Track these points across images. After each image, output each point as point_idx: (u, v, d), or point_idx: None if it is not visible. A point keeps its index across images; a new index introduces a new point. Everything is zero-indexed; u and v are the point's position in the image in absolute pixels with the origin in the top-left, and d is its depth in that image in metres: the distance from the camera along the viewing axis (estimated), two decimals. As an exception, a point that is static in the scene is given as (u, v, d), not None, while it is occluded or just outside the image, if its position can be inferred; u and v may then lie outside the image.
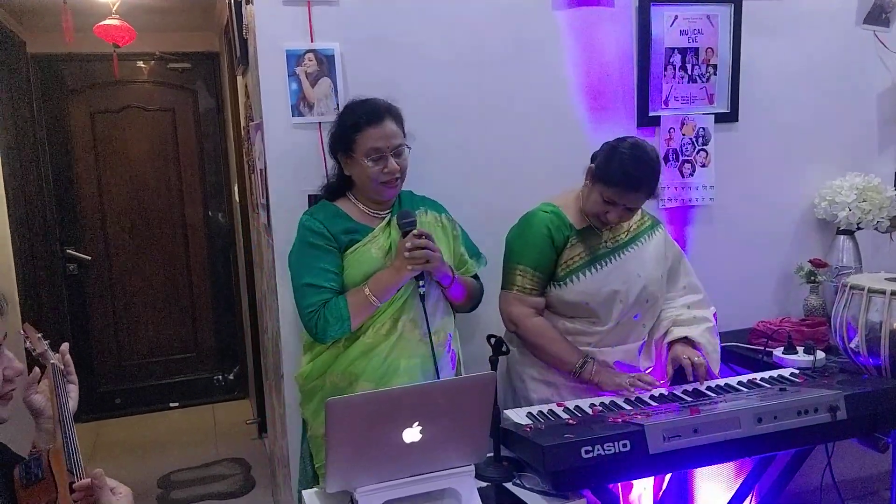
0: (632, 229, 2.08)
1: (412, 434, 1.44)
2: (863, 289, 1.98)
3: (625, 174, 1.89)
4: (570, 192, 2.08)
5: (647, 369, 2.09)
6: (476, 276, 2.09)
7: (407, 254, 1.81)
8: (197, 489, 3.48)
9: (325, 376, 1.91)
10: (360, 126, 1.86)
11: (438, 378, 1.87)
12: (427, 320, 1.88)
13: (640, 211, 2.09)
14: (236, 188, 3.82)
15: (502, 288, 2.07)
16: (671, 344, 2.05)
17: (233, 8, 2.46)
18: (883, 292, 1.95)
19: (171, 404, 4.53)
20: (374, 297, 1.84)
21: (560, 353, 1.97)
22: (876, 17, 2.77)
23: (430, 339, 1.87)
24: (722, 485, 2.40)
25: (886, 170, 2.87)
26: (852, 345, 2.01)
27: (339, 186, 1.99)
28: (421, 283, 1.86)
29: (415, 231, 1.85)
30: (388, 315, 1.89)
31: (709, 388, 1.95)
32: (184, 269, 4.52)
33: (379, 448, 1.43)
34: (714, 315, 2.13)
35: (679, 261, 2.16)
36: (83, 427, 4.11)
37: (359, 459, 1.43)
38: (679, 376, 2.01)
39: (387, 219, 1.95)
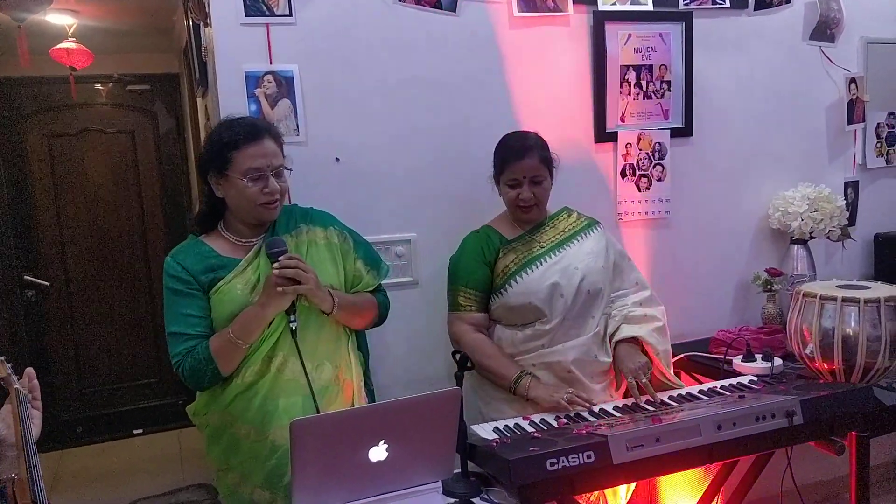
0: (566, 230, 2.14)
1: (378, 453, 1.44)
2: (815, 296, 2.04)
3: (507, 148, 2.09)
4: (504, 211, 2.16)
5: (605, 363, 2.09)
6: (380, 288, 1.98)
7: (276, 271, 1.68)
8: (163, 517, 3.41)
9: (209, 414, 1.82)
10: (237, 144, 1.73)
11: None
12: (301, 356, 1.74)
13: (575, 213, 2.19)
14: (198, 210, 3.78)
15: (448, 310, 2.12)
16: (619, 343, 2.08)
17: (191, 30, 2.46)
18: (834, 299, 2.00)
19: (135, 431, 4.44)
20: (238, 339, 1.70)
21: (497, 368, 1.99)
22: (821, 32, 2.88)
23: (307, 376, 1.74)
24: (687, 490, 2.43)
25: (836, 180, 2.97)
26: (807, 351, 2.06)
27: (210, 216, 1.85)
28: (292, 317, 1.73)
29: (285, 255, 1.73)
30: (263, 353, 1.75)
31: (671, 397, 1.98)
32: (146, 292, 4.46)
33: (345, 468, 1.43)
34: (664, 312, 2.16)
35: (624, 258, 2.22)
36: (44, 457, 3.97)
37: (325, 480, 1.43)
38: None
39: (255, 248, 1.81)
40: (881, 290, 2.04)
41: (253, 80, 2.15)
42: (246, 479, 1.80)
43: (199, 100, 2.94)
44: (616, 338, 2.09)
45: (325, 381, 1.83)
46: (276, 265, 1.70)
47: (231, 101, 2.14)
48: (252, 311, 1.72)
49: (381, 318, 1.99)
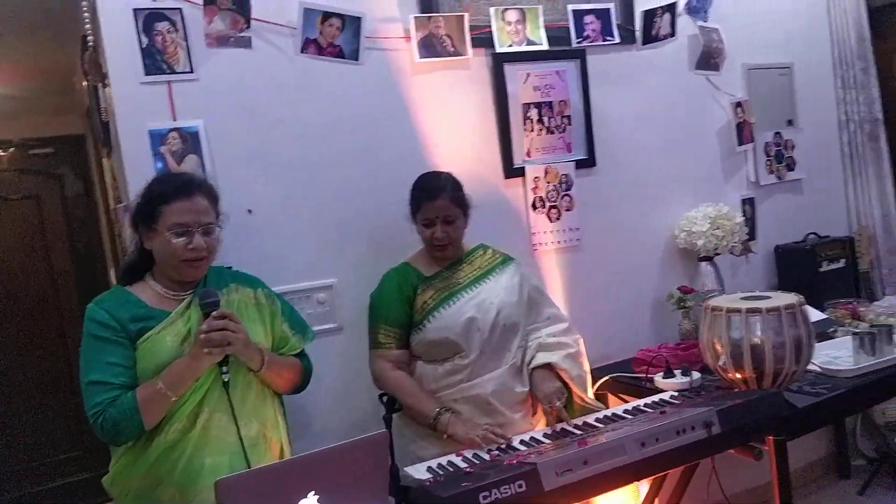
0: (482, 266, 2.21)
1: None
2: (722, 309, 2.14)
3: (420, 190, 2.15)
4: (422, 247, 2.20)
5: (522, 393, 2.13)
6: (303, 354, 1.98)
7: (203, 336, 1.66)
8: None
9: (128, 481, 1.74)
10: (167, 198, 1.74)
11: None
12: (234, 411, 1.72)
13: (490, 250, 2.25)
14: (112, 272, 3.66)
15: (369, 349, 2.15)
16: (534, 370, 2.14)
17: (90, 91, 2.42)
18: (739, 311, 2.11)
19: (57, 511, 4.18)
20: (167, 391, 1.65)
21: (417, 406, 2.03)
22: (706, 62, 3.08)
23: (239, 432, 1.73)
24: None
25: (734, 198, 3.15)
26: (720, 362, 2.16)
27: (138, 266, 1.84)
28: (224, 369, 1.71)
29: (215, 312, 1.71)
30: (187, 410, 1.71)
31: (597, 419, 2.03)
32: (62, 361, 4.24)
33: (274, 524, 1.39)
34: (579, 341, 2.23)
35: (540, 293, 2.29)
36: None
37: (254, 540, 1.39)
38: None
39: (186, 300, 1.79)
40: (781, 298, 2.16)
41: (157, 138, 2.12)
42: None
43: (104, 161, 2.87)
44: (531, 365, 2.14)
45: (252, 437, 1.78)
46: (203, 326, 1.68)
47: (136, 160, 2.11)
48: (183, 363, 1.69)
49: (303, 384, 1.98)
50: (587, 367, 2.21)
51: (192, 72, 2.17)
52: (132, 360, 1.72)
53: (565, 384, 2.13)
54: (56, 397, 4.23)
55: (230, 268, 2.03)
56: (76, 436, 4.26)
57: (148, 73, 2.12)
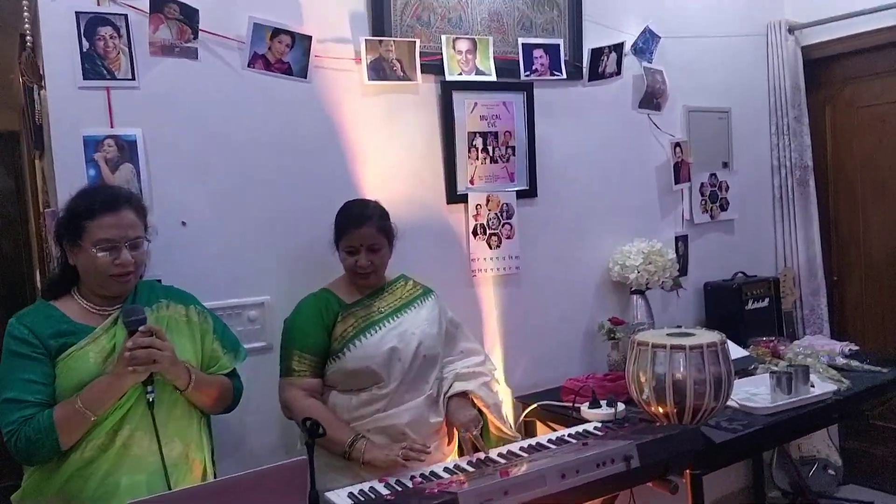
0: (403, 297, 2.21)
1: (222, 531, 1.39)
2: (647, 344, 2.20)
3: (347, 217, 2.14)
4: (343, 274, 2.19)
5: (437, 423, 2.15)
6: (234, 374, 1.95)
7: (128, 354, 1.62)
8: None
9: (39, 499, 1.68)
10: (92, 213, 1.69)
11: None
12: (157, 430, 1.68)
13: (411, 281, 2.26)
14: (38, 274, 3.54)
15: (280, 376, 2.09)
16: (451, 398, 2.17)
17: (25, 91, 2.35)
18: (664, 346, 2.17)
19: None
20: (86, 410, 1.61)
21: (331, 434, 1.87)
22: (649, 101, 3.18)
23: (161, 452, 1.69)
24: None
25: (668, 234, 3.25)
26: (644, 396, 2.22)
27: (62, 281, 1.79)
28: (150, 388, 1.67)
29: (142, 328, 1.67)
30: (107, 427, 1.67)
31: (521, 448, 2.05)
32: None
33: (185, 550, 1.37)
34: (494, 372, 2.30)
35: (456, 327, 2.31)
36: None
37: (163, 565, 1.36)
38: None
39: (112, 316, 1.75)
40: (704, 336, 2.23)
41: (92, 145, 2.07)
42: None
43: (36, 162, 2.79)
44: (448, 393, 2.17)
45: (174, 458, 1.75)
46: (128, 343, 1.64)
47: (68, 165, 2.05)
48: (105, 382, 1.64)
49: (234, 403, 1.96)
50: (501, 396, 2.26)
51: (133, 79, 2.13)
52: (51, 377, 1.68)
53: (481, 412, 2.16)
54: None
55: (159, 281, 1.99)
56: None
57: (86, 78, 2.07)
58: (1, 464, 4.01)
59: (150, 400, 1.68)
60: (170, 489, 1.68)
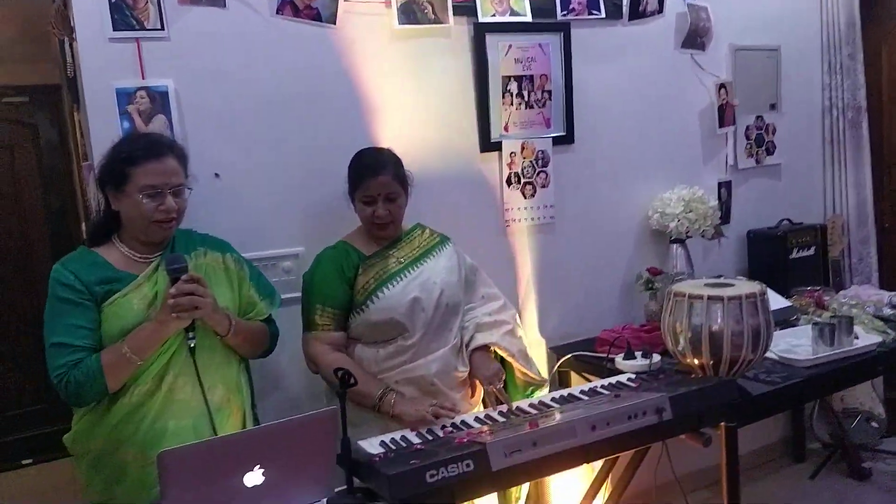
0: (421, 246, 2.18)
1: (254, 478, 1.43)
2: (684, 295, 2.15)
3: (361, 166, 2.08)
4: (360, 226, 2.16)
5: (464, 372, 2.15)
6: (270, 319, 1.99)
7: (171, 301, 1.66)
8: (56, 549, 3.25)
9: (90, 441, 1.75)
10: (136, 160, 1.72)
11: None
12: (199, 375, 1.74)
13: (428, 229, 2.23)
14: (84, 227, 3.63)
15: (303, 331, 2.09)
16: (473, 352, 2.16)
17: (59, 44, 2.36)
18: (701, 297, 2.12)
19: (24, 461, 4.21)
20: (133, 355, 1.66)
21: (360, 387, 1.86)
22: (692, 41, 3.04)
23: (205, 396, 1.75)
24: (576, 482, 2.51)
25: (711, 181, 3.15)
26: (679, 347, 2.18)
27: (104, 228, 1.82)
28: (191, 334, 1.72)
29: (184, 276, 1.69)
30: (153, 372, 1.72)
31: (553, 398, 2.05)
32: (29, 314, 4.22)
33: (220, 496, 1.41)
34: (516, 317, 2.27)
35: (475, 273, 2.29)
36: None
37: (199, 510, 1.40)
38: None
39: (154, 264, 1.78)
40: (743, 287, 2.17)
41: (124, 97, 2.08)
42: None
43: (75, 115, 2.82)
44: (470, 347, 2.16)
45: (217, 402, 1.80)
46: (171, 290, 1.67)
47: (102, 118, 2.07)
48: (149, 328, 1.69)
49: (271, 348, 2.01)
50: (525, 341, 2.25)
51: (162, 29, 2.12)
52: (97, 322, 1.72)
53: (504, 362, 2.16)
54: (21, 350, 4.22)
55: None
56: (42, 388, 4.27)
57: (116, 29, 2.07)
58: (54, 408, 4.22)
59: (192, 346, 1.73)
60: (215, 433, 1.75)
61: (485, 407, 2.12)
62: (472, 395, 2.19)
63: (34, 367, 4.24)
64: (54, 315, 1.72)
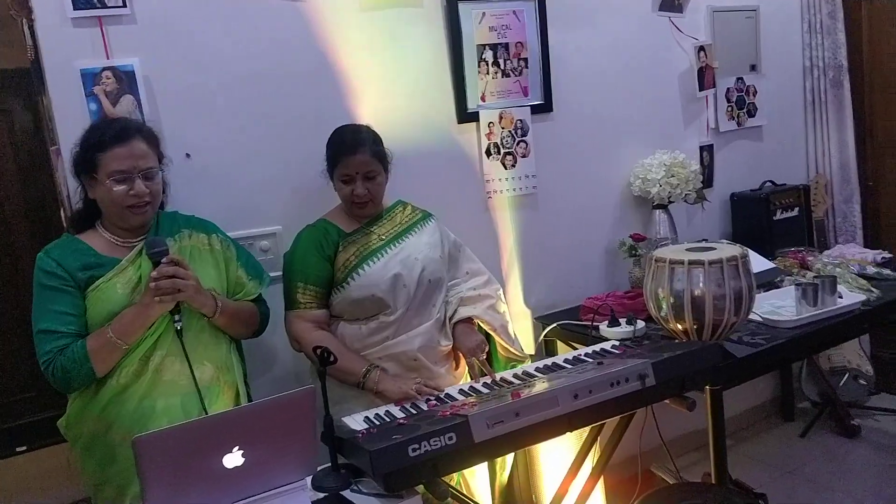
0: (403, 222, 2.17)
1: (233, 459, 1.42)
2: (665, 261, 2.14)
3: (339, 144, 2.06)
4: (340, 204, 2.14)
5: (447, 346, 2.15)
6: (260, 299, 2.01)
7: (153, 284, 1.67)
8: (50, 536, 3.26)
9: (81, 424, 1.77)
10: (104, 145, 1.72)
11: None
12: (187, 355, 1.74)
13: (409, 206, 2.21)
14: (62, 211, 3.58)
15: (286, 309, 2.08)
16: (456, 324, 2.15)
17: (21, 28, 2.29)
18: (682, 262, 2.12)
19: (18, 449, 4.20)
20: (118, 339, 1.68)
21: (344, 364, 1.91)
22: (670, 4, 3.00)
23: (193, 375, 1.75)
24: (564, 450, 2.52)
25: (692, 144, 3.12)
26: (662, 313, 2.17)
27: (86, 214, 1.83)
28: (177, 317, 1.73)
29: (165, 259, 1.70)
30: (139, 354, 1.73)
31: (537, 368, 2.05)
32: (14, 301, 4.19)
33: (199, 478, 1.40)
34: (499, 291, 2.27)
35: (459, 249, 2.28)
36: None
37: (179, 493, 1.39)
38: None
39: (137, 248, 1.79)
40: (724, 250, 2.16)
41: (89, 78, 2.04)
42: (123, 491, 1.76)
43: (42, 99, 2.75)
44: (453, 320, 2.15)
45: (206, 381, 1.81)
46: (153, 273, 1.68)
47: (67, 100, 2.03)
48: (134, 312, 1.70)
49: (261, 328, 2.01)
50: (508, 316, 2.24)
51: (125, 6, 2.07)
52: (82, 308, 1.73)
53: (488, 336, 2.15)
54: (9, 338, 4.19)
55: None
56: (31, 377, 4.24)
57: (77, 8, 2.01)
58: (46, 394, 4.20)
59: (178, 328, 1.73)
60: (205, 411, 1.76)
61: (470, 378, 2.12)
62: (457, 368, 2.19)
63: (22, 356, 4.21)
64: (40, 302, 1.73)
